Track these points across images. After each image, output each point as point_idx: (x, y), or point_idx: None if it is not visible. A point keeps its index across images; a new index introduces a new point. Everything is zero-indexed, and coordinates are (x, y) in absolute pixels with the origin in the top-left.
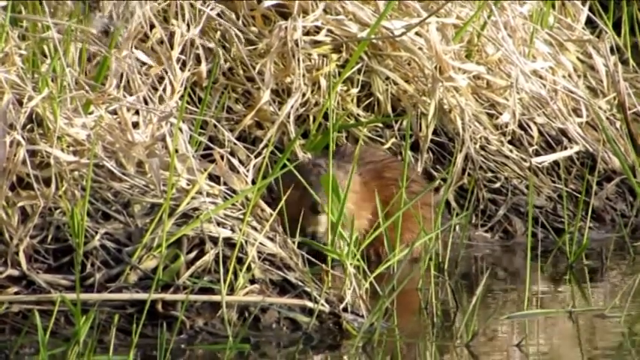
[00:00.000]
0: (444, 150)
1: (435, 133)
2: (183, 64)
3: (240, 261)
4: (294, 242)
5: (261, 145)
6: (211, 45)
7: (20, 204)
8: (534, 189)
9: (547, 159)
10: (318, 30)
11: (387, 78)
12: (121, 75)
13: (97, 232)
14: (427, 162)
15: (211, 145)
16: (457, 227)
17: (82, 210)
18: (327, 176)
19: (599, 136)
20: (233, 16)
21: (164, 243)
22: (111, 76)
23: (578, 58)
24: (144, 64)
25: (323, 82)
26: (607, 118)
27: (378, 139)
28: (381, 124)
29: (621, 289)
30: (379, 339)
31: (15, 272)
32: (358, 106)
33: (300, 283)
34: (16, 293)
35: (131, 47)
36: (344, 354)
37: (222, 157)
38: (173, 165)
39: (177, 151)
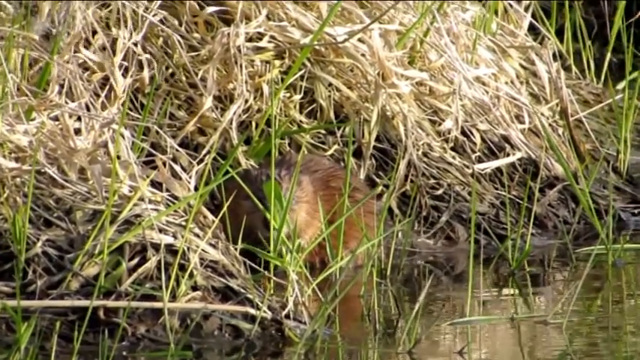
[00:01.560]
0: (387, 156)
1: (377, 139)
2: (126, 71)
3: (182, 268)
4: (236, 249)
5: (204, 152)
6: (154, 51)
7: None
8: (477, 195)
9: (490, 165)
10: (260, 36)
11: (330, 84)
12: (63, 81)
13: (38, 239)
14: (370, 169)
15: (153, 152)
16: (400, 234)
17: (23, 216)
18: (269, 184)
19: (542, 143)
20: (176, 22)
21: (106, 250)
22: (53, 83)
23: (520, 65)
24: (86, 69)
25: (266, 89)
26: (549, 125)
27: (321, 145)
28: (323, 131)
29: (563, 295)
30: (321, 346)
31: None
32: (301, 112)
33: (242, 290)
34: None
35: (73, 53)
36: None
37: (164, 164)
38: (115, 171)
39: (119, 157)
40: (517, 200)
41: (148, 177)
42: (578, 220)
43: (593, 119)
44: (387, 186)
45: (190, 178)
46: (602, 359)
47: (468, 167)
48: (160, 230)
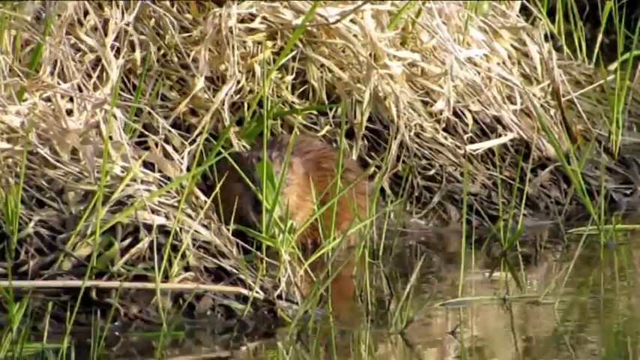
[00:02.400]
0: (379, 137)
1: (369, 120)
2: (118, 52)
3: (174, 248)
4: (228, 230)
5: (196, 133)
6: (146, 32)
7: None
8: (469, 176)
9: (481, 146)
10: (252, 17)
11: (322, 65)
12: (55, 62)
13: (30, 220)
14: (362, 149)
15: (146, 133)
16: (392, 214)
17: (15, 197)
18: (261, 165)
19: (534, 124)
20: (168, 3)
21: (98, 230)
22: (45, 64)
23: (512, 46)
24: (78, 50)
25: (258, 70)
26: (541, 106)
27: (313, 126)
28: (316, 112)
29: (554, 276)
30: (314, 326)
31: None
32: (293, 93)
33: (234, 271)
34: None
35: (65, 34)
36: (278, 341)
37: (156, 145)
38: (107, 152)
39: (111, 138)
40: (509, 181)
41: (140, 158)
42: (570, 200)
43: (584, 100)
44: (379, 167)
45: (182, 158)
46: (594, 339)
47: (460, 148)
48: (153, 211)
